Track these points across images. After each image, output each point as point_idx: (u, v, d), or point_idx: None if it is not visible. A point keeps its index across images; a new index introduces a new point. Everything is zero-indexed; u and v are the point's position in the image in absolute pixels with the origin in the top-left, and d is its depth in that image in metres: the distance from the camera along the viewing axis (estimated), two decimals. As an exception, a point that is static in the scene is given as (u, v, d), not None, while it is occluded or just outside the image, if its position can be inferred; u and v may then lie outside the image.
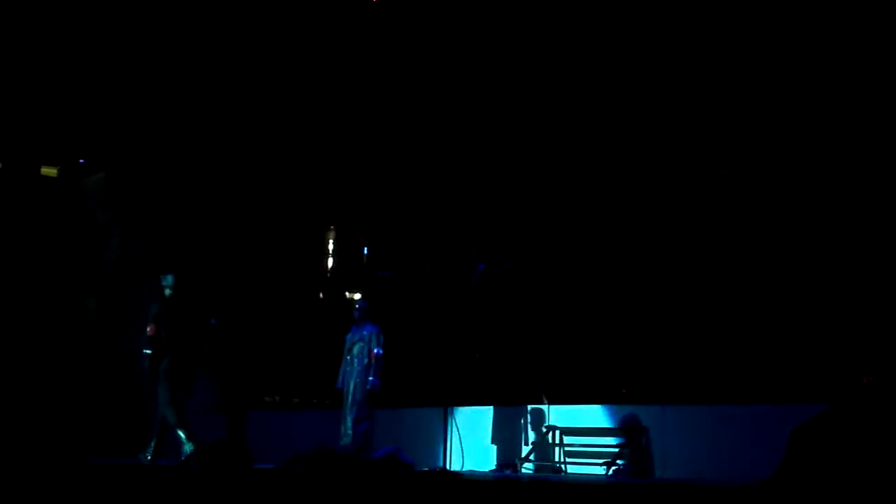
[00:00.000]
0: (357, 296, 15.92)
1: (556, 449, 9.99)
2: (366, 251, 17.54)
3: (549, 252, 12.47)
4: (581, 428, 9.93)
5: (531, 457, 10.14)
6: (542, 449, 10.10)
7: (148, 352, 10.33)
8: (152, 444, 10.33)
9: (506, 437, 10.44)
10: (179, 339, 10.44)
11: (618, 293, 11.42)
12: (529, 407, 10.44)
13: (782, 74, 10.88)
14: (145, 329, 10.42)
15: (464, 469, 9.97)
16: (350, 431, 10.67)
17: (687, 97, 11.65)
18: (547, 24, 13.28)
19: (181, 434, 10.03)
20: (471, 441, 10.48)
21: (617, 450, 9.38)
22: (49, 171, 19.79)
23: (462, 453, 10.30)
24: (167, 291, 10.53)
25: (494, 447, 10.51)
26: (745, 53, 11.16)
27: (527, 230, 12.88)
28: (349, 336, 11.00)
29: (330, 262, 18.01)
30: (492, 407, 10.76)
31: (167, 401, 10.22)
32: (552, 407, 10.32)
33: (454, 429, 10.36)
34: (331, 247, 18.13)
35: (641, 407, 9.65)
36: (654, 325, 10.88)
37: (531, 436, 10.27)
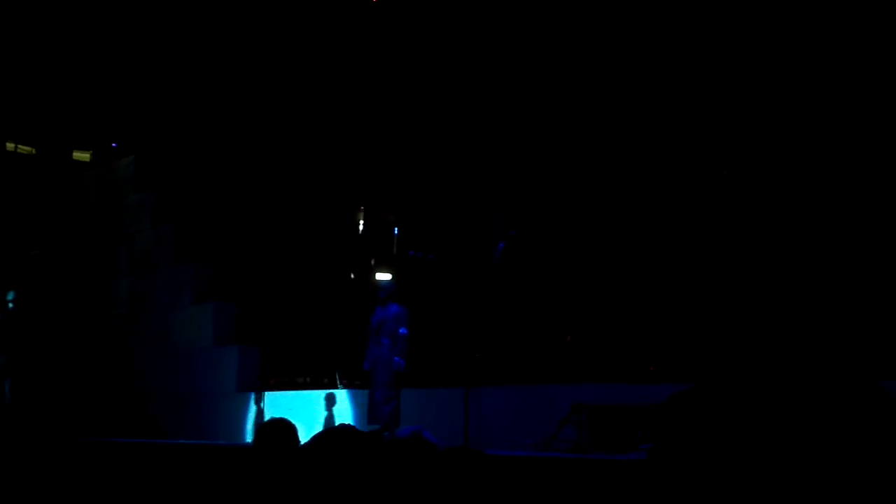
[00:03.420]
0: (386, 276, 15.93)
1: (583, 428, 9.94)
2: (396, 231, 17.53)
3: (574, 228, 12.41)
4: (609, 406, 9.86)
5: (557, 435, 10.11)
6: (569, 427, 10.06)
7: None
8: None
9: (531, 416, 10.42)
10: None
11: (645, 269, 11.34)
12: (554, 385, 10.41)
13: (782, 74, 10.77)
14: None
15: (487, 448, 9.97)
16: (377, 412, 10.73)
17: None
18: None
19: None
20: (496, 421, 10.47)
21: (645, 429, 9.32)
22: (81, 155, 19.98)
23: (484, 433, 10.30)
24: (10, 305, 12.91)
25: (519, 426, 10.49)
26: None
27: (551, 207, 12.82)
28: (374, 316, 11.04)
29: (359, 242, 18.04)
30: (516, 386, 10.74)
31: None
32: (579, 386, 10.27)
33: (476, 408, 10.36)
34: (360, 227, 18.13)
35: (671, 385, 9.57)
36: (683, 303, 10.79)
37: (557, 414, 10.23)
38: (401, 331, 10.71)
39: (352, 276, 17.23)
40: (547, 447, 9.99)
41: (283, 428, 5.32)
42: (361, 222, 17.92)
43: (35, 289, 15.03)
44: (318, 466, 6.38)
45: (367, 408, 10.90)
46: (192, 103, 18.02)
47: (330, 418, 12.41)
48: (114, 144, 19.14)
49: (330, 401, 12.74)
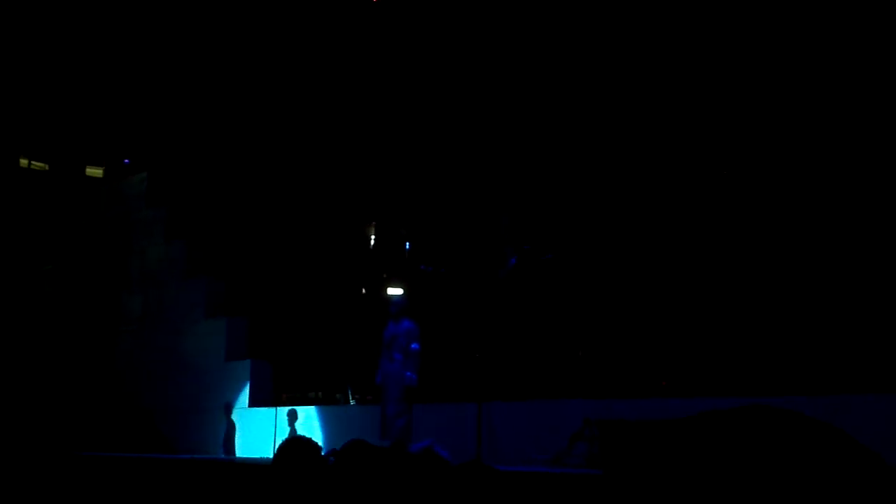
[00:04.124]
0: (398, 291, 15.93)
1: (595, 443, 9.90)
2: (407, 246, 17.55)
3: (586, 244, 12.40)
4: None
5: (569, 451, 10.06)
6: (581, 443, 10.02)
7: None
8: None
9: (543, 431, 10.39)
10: None
11: (657, 285, 11.32)
12: (566, 400, 10.38)
13: (782, 74, 10.75)
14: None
15: (499, 464, 9.93)
16: (389, 427, 10.70)
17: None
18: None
19: None
20: (508, 436, 10.44)
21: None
22: (94, 171, 20.09)
23: (496, 448, 10.27)
24: None
25: (531, 441, 10.46)
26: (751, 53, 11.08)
27: (563, 222, 12.82)
28: (387, 331, 11.03)
29: (371, 257, 18.07)
30: (528, 401, 10.71)
31: None
32: (591, 401, 10.24)
33: (489, 423, 10.33)
34: (372, 242, 18.17)
35: (683, 400, 9.53)
36: (695, 318, 10.77)
37: (569, 429, 10.20)
38: (412, 346, 10.68)
39: (363, 290, 17.26)
40: (559, 462, 9.95)
41: (306, 447, 5.30)
42: (373, 237, 17.94)
43: (47, 303, 15.09)
44: (338, 482, 6.35)
45: (379, 423, 10.87)
46: (205, 120, 18.10)
47: (293, 435, 12.38)
48: (126, 161, 19.24)
49: (292, 416, 12.74)
